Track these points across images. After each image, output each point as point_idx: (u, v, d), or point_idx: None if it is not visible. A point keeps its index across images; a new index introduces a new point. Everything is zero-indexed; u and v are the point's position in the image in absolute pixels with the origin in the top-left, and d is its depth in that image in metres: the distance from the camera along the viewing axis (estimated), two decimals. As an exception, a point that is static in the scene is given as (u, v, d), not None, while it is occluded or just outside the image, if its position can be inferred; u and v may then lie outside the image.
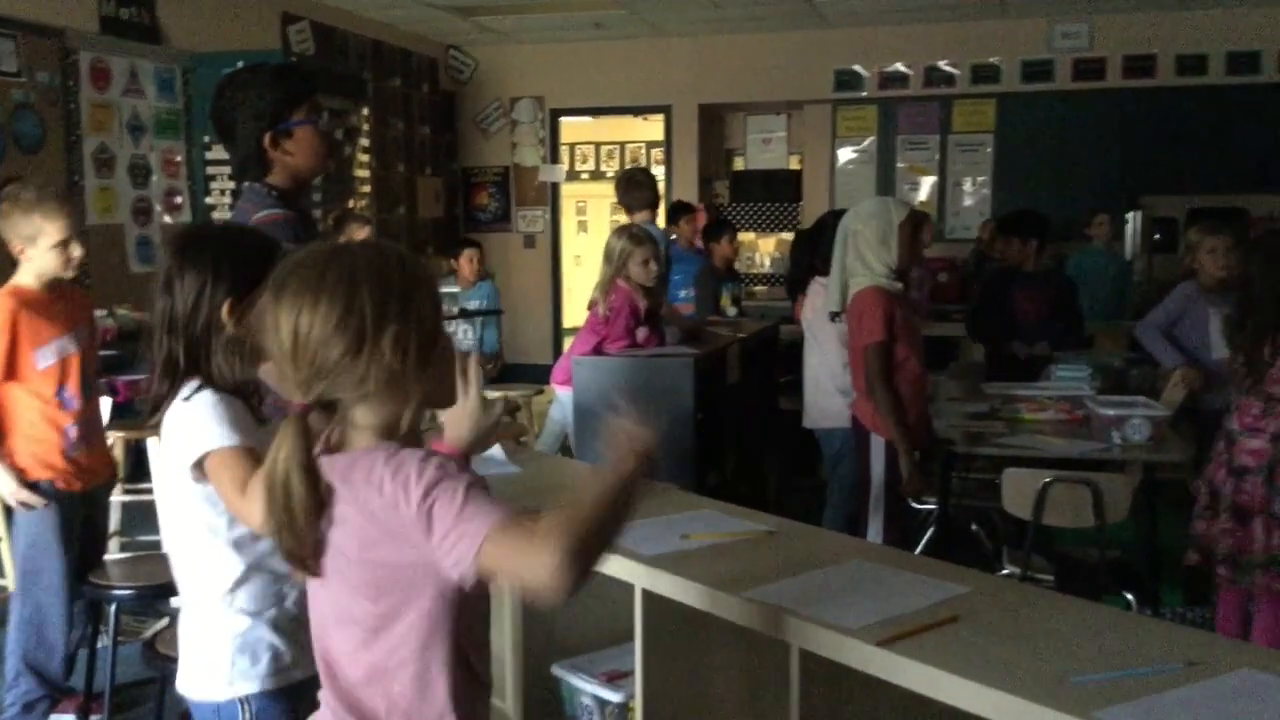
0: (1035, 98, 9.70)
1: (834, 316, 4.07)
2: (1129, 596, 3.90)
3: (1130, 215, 9.19)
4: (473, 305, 7.23)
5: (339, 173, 8.29)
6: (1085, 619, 1.88)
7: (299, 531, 1.50)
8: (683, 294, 6.79)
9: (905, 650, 1.71)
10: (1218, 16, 9.18)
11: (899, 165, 10.21)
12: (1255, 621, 3.68)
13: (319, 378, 1.47)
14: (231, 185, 6.91)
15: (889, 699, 1.85)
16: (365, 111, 8.94)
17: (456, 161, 11.05)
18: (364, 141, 8.95)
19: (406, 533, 1.44)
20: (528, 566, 1.39)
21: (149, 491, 4.78)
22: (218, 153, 6.86)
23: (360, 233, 6.28)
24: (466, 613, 1.54)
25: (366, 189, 8.95)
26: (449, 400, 1.63)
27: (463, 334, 6.99)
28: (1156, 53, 9.42)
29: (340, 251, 1.52)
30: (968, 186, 10.08)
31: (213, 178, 7.18)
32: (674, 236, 7.22)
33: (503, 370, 7.71)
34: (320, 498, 1.50)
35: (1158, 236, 8.91)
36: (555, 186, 11.14)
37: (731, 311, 6.68)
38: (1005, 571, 4.00)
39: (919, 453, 3.88)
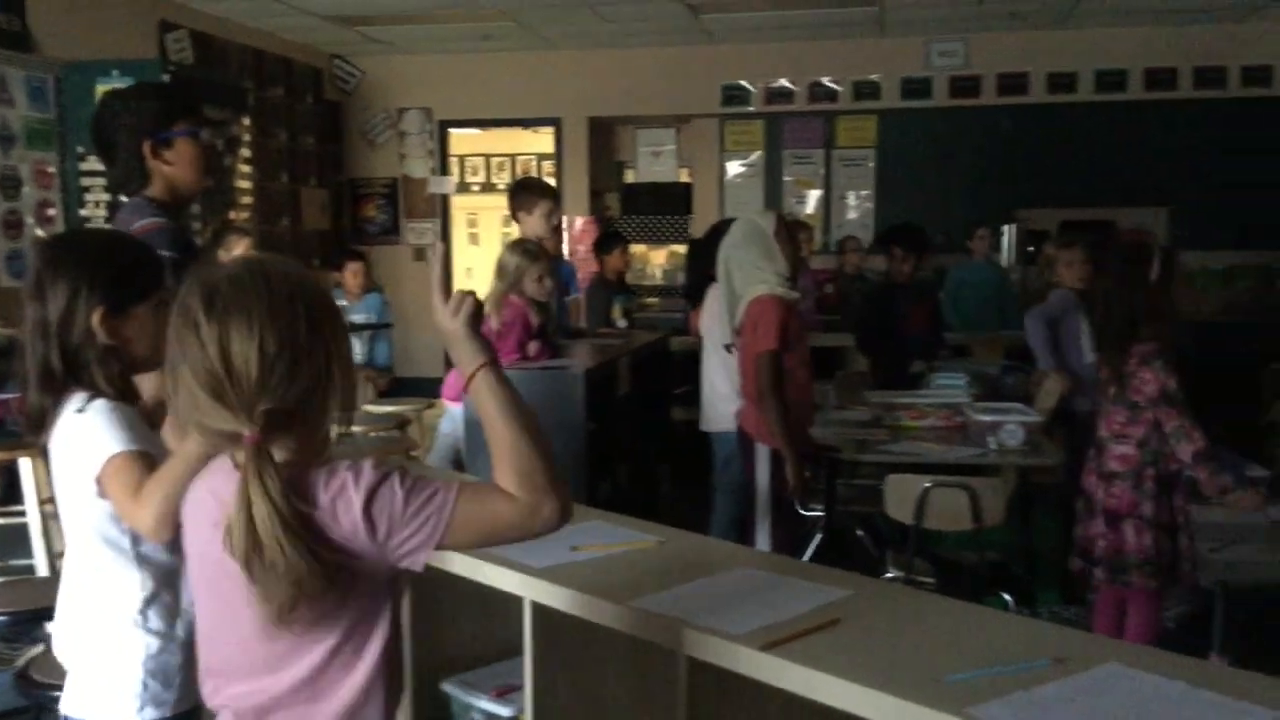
0: (914, 114, 9.98)
1: (729, 348, 4.12)
2: (1007, 597, 4.05)
3: (1006, 228, 9.53)
4: (360, 319, 7.13)
5: (219, 184, 8.10)
6: (962, 619, 1.95)
7: (279, 573, 1.43)
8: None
9: (789, 654, 1.75)
10: (1087, 37, 9.58)
11: (786, 178, 10.40)
12: (1128, 619, 3.83)
13: (261, 398, 1.45)
14: (107, 197, 6.70)
15: (775, 702, 1.89)
16: (246, 122, 8.75)
17: (343, 173, 10.88)
18: (245, 152, 8.75)
19: (349, 540, 1.45)
20: (511, 526, 1.54)
21: (21, 514, 4.60)
22: (92, 164, 6.65)
23: (239, 245, 6.13)
24: (393, 616, 1.56)
25: (248, 200, 8.76)
26: (355, 404, 1.62)
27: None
28: (1029, 71, 9.78)
29: (257, 270, 1.50)
30: (852, 200, 10.32)
31: (87, 189, 6.95)
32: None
33: (393, 384, 7.62)
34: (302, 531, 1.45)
35: (1032, 249, 9.23)
36: (445, 198, 11.06)
37: (622, 323, 6.72)
38: (889, 575, 4.12)
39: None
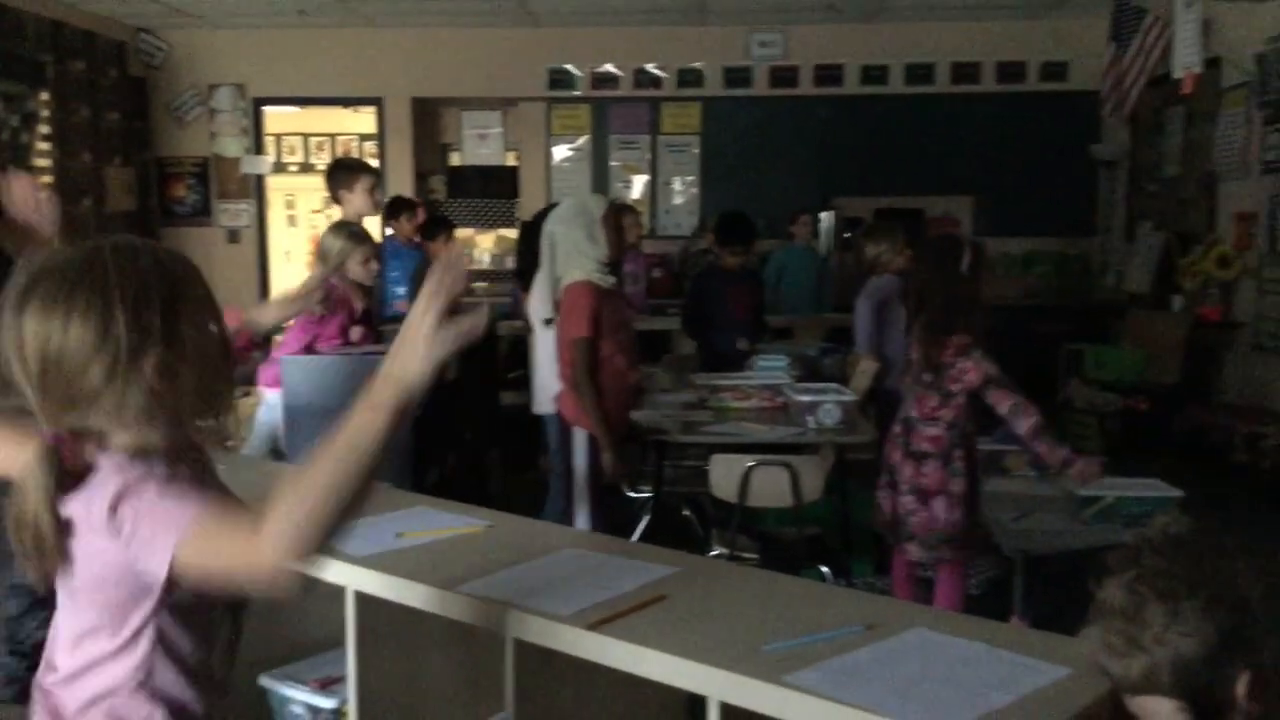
0: (736, 102, 10.18)
1: (548, 323, 4.13)
2: (824, 569, 4.20)
3: (824, 215, 9.84)
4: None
5: (16, 162, 7.61)
6: (780, 592, 2.02)
7: (46, 566, 1.43)
8: (400, 291, 6.69)
9: (614, 631, 1.77)
10: (897, 31, 9.95)
11: (612, 163, 10.45)
12: (937, 588, 4.02)
13: (72, 406, 1.36)
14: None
15: (603, 680, 1.91)
16: (45, 97, 8.24)
17: (150, 151, 10.37)
18: (44, 129, 8.24)
19: (104, 543, 1.38)
20: (240, 566, 1.33)
21: None
22: None
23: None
24: (186, 626, 1.48)
25: (47, 179, 8.25)
26: (225, 406, 1.53)
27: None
28: (844, 63, 10.10)
29: (94, 258, 1.39)
30: (677, 186, 10.45)
31: None
32: (390, 232, 7.09)
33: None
34: (65, 539, 1.41)
35: (848, 235, 9.56)
36: (260, 179, 10.67)
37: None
38: (714, 552, 4.22)
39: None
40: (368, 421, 1.38)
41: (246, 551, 1.32)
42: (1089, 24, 8.94)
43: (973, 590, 4.51)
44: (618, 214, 4.02)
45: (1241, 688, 1.40)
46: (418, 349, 1.40)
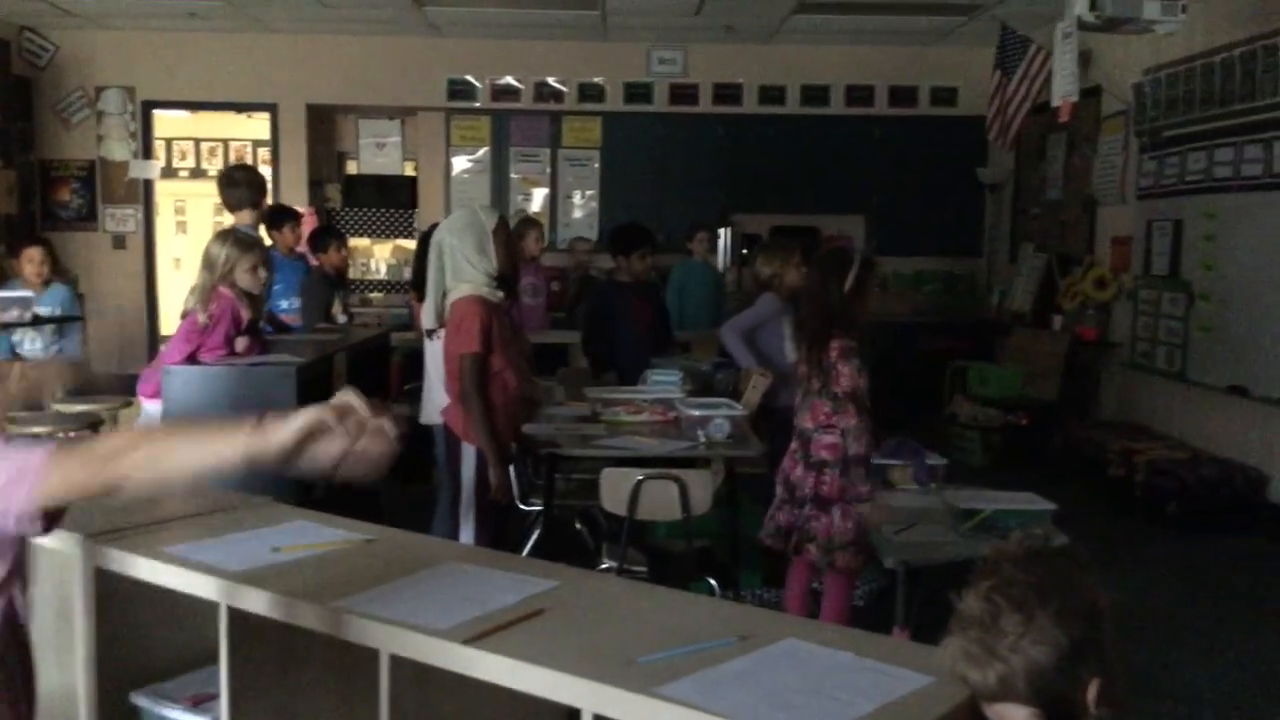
0: (637, 118, 10.26)
1: (430, 334, 4.10)
2: (712, 582, 4.24)
3: (722, 231, 9.96)
4: (45, 311, 6.56)
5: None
6: (660, 604, 2.04)
7: None
8: (284, 304, 6.57)
9: (490, 646, 1.77)
10: (794, 53, 10.14)
11: (513, 175, 10.44)
12: (824, 598, 4.09)
13: None
14: None
15: (481, 695, 1.91)
16: (-82, 93, 7.92)
17: (34, 153, 10.03)
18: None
19: None
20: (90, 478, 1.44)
21: None
22: None
23: None
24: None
25: (-80, 180, 7.93)
26: None
27: (30, 342, 6.34)
28: (743, 82, 10.26)
29: None
30: (578, 199, 10.48)
31: None
32: (270, 243, 6.95)
33: (89, 381, 7.09)
34: None
35: (745, 251, 9.70)
36: (149, 183, 10.40)
37: (343, 319, 6.54)
38: (604, 565, 4.23)
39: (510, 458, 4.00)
40: (223, 444, 1.48)
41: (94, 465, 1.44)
42: (977, 52, 9.23)
43: (858, 602, 4.61)
44: (521, 227, 4.02)
45: (1091, 693, 1.46)
46: (290, 428, 1.49)
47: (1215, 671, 4.30)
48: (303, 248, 7.31)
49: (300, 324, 6.21)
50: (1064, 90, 5.11)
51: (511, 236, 4.09)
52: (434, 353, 4.65)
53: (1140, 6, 4.69)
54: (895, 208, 10.15)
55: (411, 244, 9.97)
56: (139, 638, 2.40)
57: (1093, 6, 4.67)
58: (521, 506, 4.53)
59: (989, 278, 10.28)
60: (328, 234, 7.16)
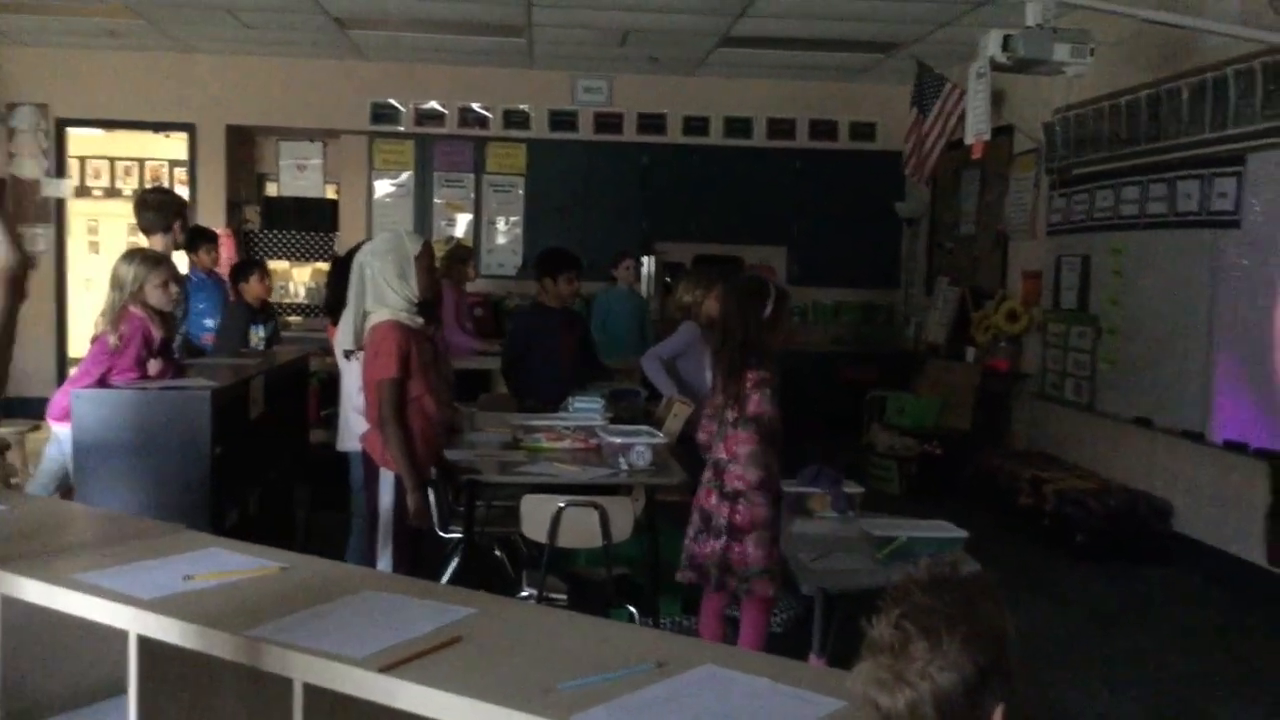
0: (562, 145, 10.30)
1: (349, 354, 4.07)
2: (632, 609, 4.24)
3: (646, 259, 10.02)
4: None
5: None
6: (578, 632, 2.05)
7: None
8: (209, 323, 6.46)
9: (406, 674, 1.76)
10: (717, 85, 10.29)
11: (436, 201, 10.40)
12: (742, 625, 4.11)
13: None
14: None
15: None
16: None
17: (-62, 169, 9.76)
18: None
19: None
20: None
21: None
22: None
23: None
24: None
25: None
26: None
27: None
28: (667, 113, 10.36)
29: None
30: (502, 225, 10.48)
31: None
32: (191, 264, 6.84)
33: (-6, 405, 6.88)
34: None
35: (669, 279, 9.76)
36: (61, 202, 10.16)
37: (260, 345, 6.46)
38: (524, 593, 4.21)
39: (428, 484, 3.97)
40: None
41: None
42: (895, 89, 9.45)
43: (775, 629, 4.64)
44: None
45: (997, 717, 1.49)
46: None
47: (1117, 698, 4.41)
48: (221, 269, 7.21)
49: (212, 344, 6.12)
50: (977, 129, 5.26)
51: (434, 263, 4.08)
52: (350, 375, 4.59)
53: (1050, 49, 4.85)
54: (816, 239, 10.31)
55: (332, 267, 9.86)
56: (47, 667, 2.34)
57: (1005, 48, 4.82)
58: (441, 534, 4.50)
59: (906, 309, 10.48)
60: (249, 265, 7.06)
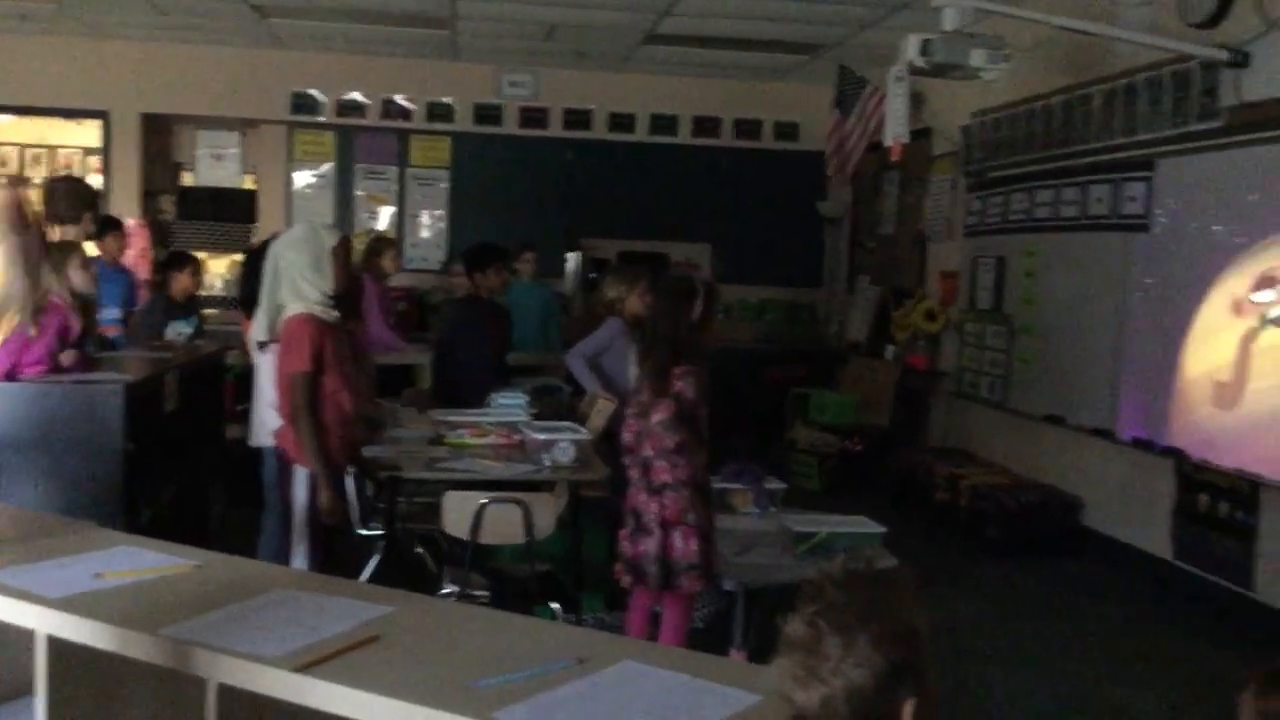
0: (487, 139, 10.23)
1: (263, 345, 4.00)
2: (555, 605, 4.24)
3: (571, 255, 10.02)
4: None
5: None
6: (499, 629, 2.05)
7: None
8: (112, 314, 6.29)
9: (322, 673, 1.75)
10: (644, 82, 10.30)
11: (358, 193, 10.27)
12: (664, 620, 4.13)
13: None
14: None
15: (315, 723, 1.88)
16: None
17: None
18: None
19: None
20: None
21: None
22: None
23: None
24: None
25: None
26: None
27: None
28: (593, 108, 10.35)
29: None
30: (426, 219, 10.38)
31: None
32: (99, 253, 6.65)
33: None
34: None
35: (594, 275, 9.76)
36: (-34, 190, 9.83)
37: (184, 341, 6.32)
38: (446, 590, 4.18)
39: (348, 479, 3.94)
40: None
41: None
42: (818, 90, 9.55)
43: (698, 624, 4.68)
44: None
45: (907, 713, 1.52)
46: None
47: (1029, 689, 4.52)
48: (127, 260, 7.03)
49: (120, 336, 5.97)
50: (896, 131, 5.34)
51: (350, 257, 4.03)
52: (265, 369, 4.52)
53: (967, 54, 4.95)
54: (740, 237, 10.39)
55: (251, 260, 9.69)
56: (-56, 671, 2.28)
57: (924, 52, 4.90)
58: (361, 531, 4.46)
59: (828, 308, 10.61)
60: (182, 258, 6.89)
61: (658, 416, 3.93)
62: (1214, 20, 5.24)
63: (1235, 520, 5.35)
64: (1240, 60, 5.04)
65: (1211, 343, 5.51)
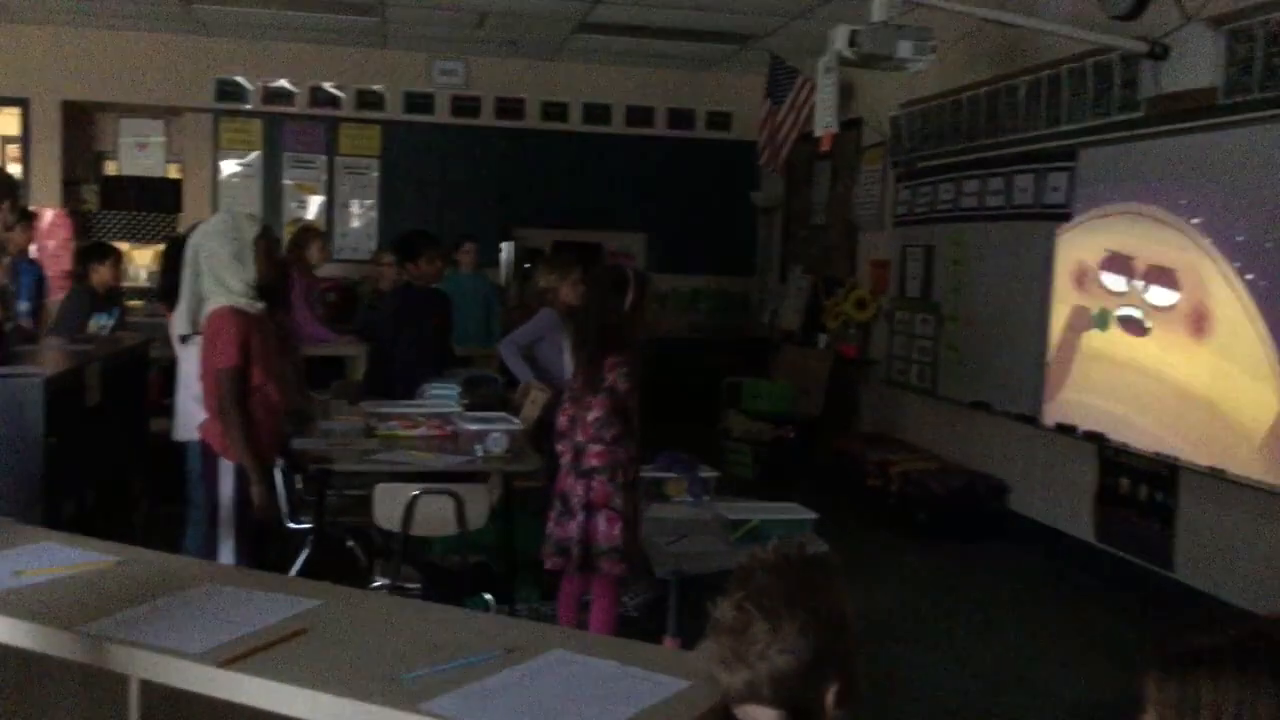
0: (417, 128, 10.14)
1: (185, 339, 3.93)
2: (488, 597, 4.24)
3: (504, 245, 9.97)
4: None
5: None
6: (428, 621, 2.04)
7: None
8: (22, 306, 6.15)
9: (247, 668, 1.73)
10: (576, 71, 10.27)
11: (286, 182, 10.11)
12: (591, 606, 4.14)
13: None
14: None
15: (243, 717, 1.86)
16: None
17: None
18: None
19: None
20: None
21: None
22: None
23: None
24: None
25: None
26: None
27: None
28: (525, 98, 10.30)
29: None
30: (356, 209, 10.26)
31: None
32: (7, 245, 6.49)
33: None
34: None
35: (528, 265, 9.71)
36: (-124, 178, 9.52)
37: (105, 334, 6.18)
38: (377, 583, 4.16)
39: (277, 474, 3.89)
40: None
41: None
42: (750, 80, 9.59)
43: (631, 613, 4.70)
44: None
45: (830, 697, 1.55)
46: None
47: (955, 670, 4.61)
48: (49, 251, 6.86)
49: (36, 328, 5.84)
50: (825, 122, 5.39)
51: (274, 247, 3.96)
52: (188, 362, 4.44)
53: (894, 45, 5.00)
54: (674, 227, 10.42)
55: (177, 250, 9.50)
56: None
57: (852, 43, 4.94)
58: (290, 525, 4.40)
59: (761, 297, 10.69)
60: (103, 250, 6.73)
61: (594, 414, 3.94)
62: (1134, 13, 5.35)
63: (1155, 502, 5.50)
64: (1159, 52, 5.16)
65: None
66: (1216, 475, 4.99)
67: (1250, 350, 4.78)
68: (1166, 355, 5.31)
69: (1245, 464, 4.83)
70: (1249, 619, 1.29)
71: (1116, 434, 5.68)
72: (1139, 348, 5.50)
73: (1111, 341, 5.70)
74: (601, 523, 3.93)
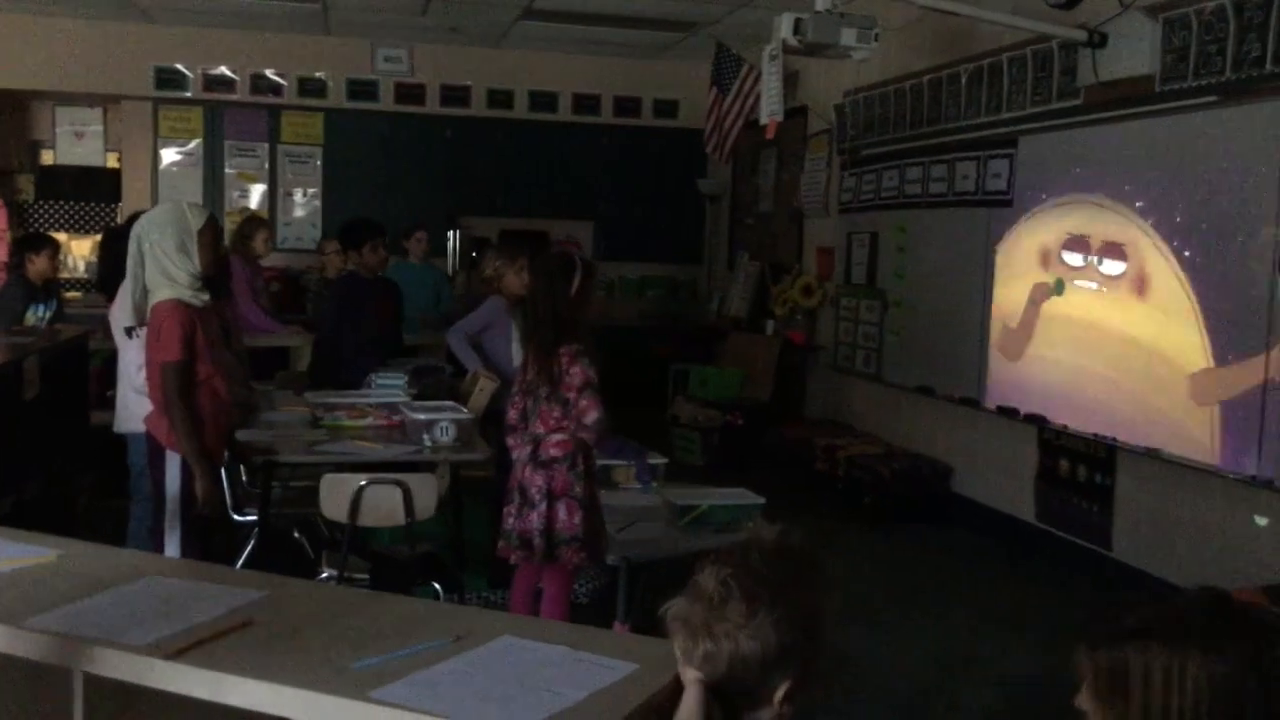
0: (361, 116, 10.04)
1: (130, 331, 3.87)
2: (437, 586, 4.23)
3: (450, 233, 9.91)
4: None
5: None
6: (376, 610, 2.04)
7: None
8: None
9: (194, 660, 1.72)
10: (523, 58, 10.22)
11: (228, 170, 9.98)
12: (544, 594, 4.14)
13: None
14: None
15: (189, 712, 1.85)
16: None
17: None
18: None
19: None
20: None
21: None
22: None
23: None
24: None
25: None
26: None
27: None
28: (471, 85, 10.24)
29: None
30: (299, 197, 10.15)
31: None
32: None
33: None
34: None
35: (474, 254, 9.66)
36: None
37: (41, 326, 6.07)
38: (324, 574, 4.13)
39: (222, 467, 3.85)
40: None
41: None
42: (696, 68, 9.61)
43: (582, 599, 4.72)
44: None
45: (780, 692, 1.55)
46: None
47: (903, 651, 4.68)
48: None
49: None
50: (770, 110, 5.42)
51: (218, 238, 3.92)
52: (130, 353, 4.37)
53: (838, 33, 5.03)
54: (621, 214, 10.42)
55: (116, 240, 9.34)
56: None
57: (796, 31, 4.97)
58: (236, 517, 4.36)
59: (709, 284, 10.72)
60: (41, 239, 6.60)
61: (545, 395, 3.92)
62: (1073, 2, 5.44)
63: (1094, 483, 5.61)
64: (1098, 41, 5.25)
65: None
66: (1153, 456, 5.10)
67: (1180, 306, 4.98)
68: (1113, 311, 5.44)
69: (1181, 442, 4.95)
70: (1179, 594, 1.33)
71: (1057, 416, 5.79)
72: (1093, 306, 5.60)
73: (1068, 302, 5.78)
74: (562, 511, 3.92)
